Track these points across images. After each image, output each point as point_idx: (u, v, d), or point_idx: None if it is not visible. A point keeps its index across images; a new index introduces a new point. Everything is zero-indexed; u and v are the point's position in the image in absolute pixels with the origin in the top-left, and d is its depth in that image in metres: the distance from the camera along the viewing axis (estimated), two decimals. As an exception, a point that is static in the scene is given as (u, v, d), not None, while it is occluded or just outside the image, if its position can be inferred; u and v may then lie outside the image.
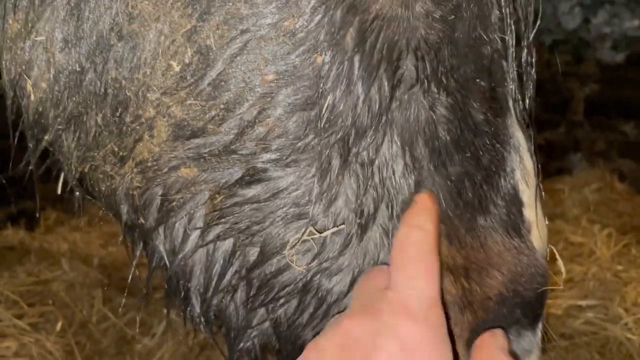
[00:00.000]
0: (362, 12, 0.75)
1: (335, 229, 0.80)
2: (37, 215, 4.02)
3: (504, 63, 0.87)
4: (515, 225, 0.87)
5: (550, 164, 6.06)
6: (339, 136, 0.77)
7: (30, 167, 0.90)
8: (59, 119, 0.84)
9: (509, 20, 0.84)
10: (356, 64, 0.77)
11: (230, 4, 0.75)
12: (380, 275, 0.80)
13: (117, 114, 0.80)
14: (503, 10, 0.84)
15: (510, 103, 0.88)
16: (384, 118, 0.79)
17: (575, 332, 2.36)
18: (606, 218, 4.13)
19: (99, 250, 3.93)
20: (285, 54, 0.75)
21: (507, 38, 0.85)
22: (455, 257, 0.84)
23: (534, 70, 0.91)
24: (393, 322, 0.73)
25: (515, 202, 0.87)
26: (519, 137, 0.88)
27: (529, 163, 0.88)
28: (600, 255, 3.05)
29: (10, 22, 0.80)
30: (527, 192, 0.88)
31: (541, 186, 0.90)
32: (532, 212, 0.88)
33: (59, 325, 2.65)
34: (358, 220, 0.81)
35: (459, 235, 0.84)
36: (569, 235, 3.37)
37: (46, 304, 2.91)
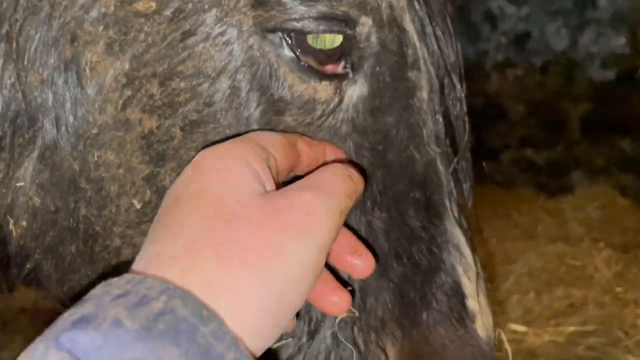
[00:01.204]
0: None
1: (285, 341, 0.89)
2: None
3: (439, 167, 0.96)
4: (459, 317, 0.93)
5: (552, 184, 6.09)
6: None
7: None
8: (38, 250, 0.97)
9: (441, 132, 0.93)
10: None
11: (182, 151, 0.87)
12: None
13: (89, 245, 0.93)
14: (435, 122, 0.95)
15: (447, 203, 0.96)
16: None
17: (578, 358, 2.37)
18: (611, 236, 4.15)
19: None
20: None
21: (441, 150, 0.94)
22: (402, 348, 0.91)
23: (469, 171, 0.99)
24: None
25: (457, 295, 0.94)
26: (457, 234, 0.96)
27: (469, 257, 0.95)
28: (600, 278, 3.06)
29: None
30: (469, 285, 0.95)
31: (482, 275, 0.98)
32: (475, 302, 0.95)
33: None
34: (307, 329, 0.91)
35: (403, 330, 0.91)
36: (569, 260, 3.39)
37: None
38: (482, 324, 0.95)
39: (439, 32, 0.97)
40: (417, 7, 0.94)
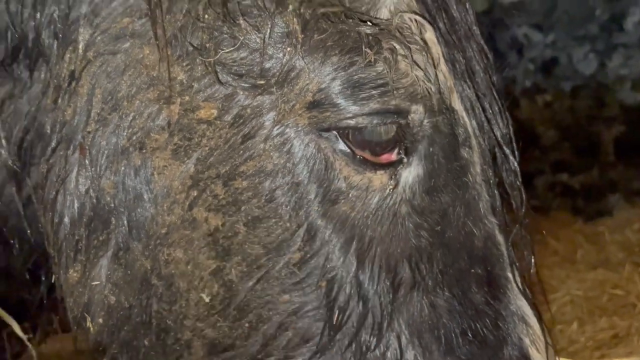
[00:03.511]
0: (360, 238, 0.92)
1: None
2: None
3: (498, 239, 0.99)
4: None
5: (590, 208, 6.04)
6: (351, 338, 0.92)
7: None
8: (114, 345, 1.03)
9: (497, 203, 0.97)
10: (360, 277, 0.92)
11: (246, 246, 0.93)
12: None
13: (161, 338, 0.98)
14: (491, 194, 0.98)
15: (509, 275, 0.99)
16: (390, 315, 0.93)
17: (624, 390, 2.37)
18: (652, 258, 4.10)
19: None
20: (296, 281, 0.92)
21: (498, 221, 0.97)
22: None
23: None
24: None
25: None
26: (522, 306, 0.99)
27: (536, 328, 0.99)
28: (644, 307, 3.06)
29: (71, 272, 1.01)
30: (538, 356, 0.98)
31: (550, 342, 0.99)
32: None
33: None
34: None
35: None
36: (611, 288, 3.38)
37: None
38: None
39: (487, 106, 1.01)
40: (464, 85, 0.98)
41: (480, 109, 1.00)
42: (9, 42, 0.98)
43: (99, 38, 0.94)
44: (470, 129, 0.99)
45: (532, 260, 1.05)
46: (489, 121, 1.01)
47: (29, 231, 1.11)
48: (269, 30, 0.89)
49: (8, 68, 1.01)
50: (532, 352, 0.98)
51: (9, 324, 1.88)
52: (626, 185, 5.98)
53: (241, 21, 0.89)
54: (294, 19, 0.88)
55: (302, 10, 0.88)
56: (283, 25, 0.89)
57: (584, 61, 6.31)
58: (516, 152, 1.04)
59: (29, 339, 1.94)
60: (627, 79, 6.07)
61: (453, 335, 0.95)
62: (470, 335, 0.95)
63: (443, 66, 0.96)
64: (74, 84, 0.95)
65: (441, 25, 0.96)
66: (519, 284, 1.01)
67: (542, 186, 6.26)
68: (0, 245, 1.21)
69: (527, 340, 0.98)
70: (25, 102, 1.02)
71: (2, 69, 1.00)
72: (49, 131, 0.99)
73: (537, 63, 6.66)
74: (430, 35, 0.94)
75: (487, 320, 0.97)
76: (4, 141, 1.03)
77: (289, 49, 0.89)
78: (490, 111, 1.02)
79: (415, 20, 0.93)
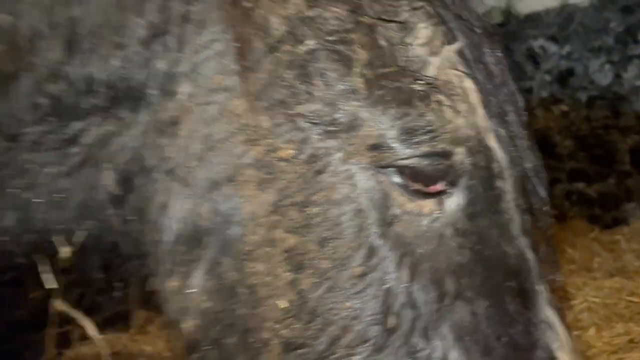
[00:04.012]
0: (411, 255, 1.10)
1: None
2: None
3: (528, 257, 1.16)
4: None
5: (606, 216, 6.13)
6: (404, 339, 1.10)
7: None
8: (204, 343, 1.21)
9: (527, 226, 1.14)
10: (412, 288, 1.10)
11: (317, 262, 1.11)
12: None
13: (245, 337, 1.17)
14: (522, 219, 1.15)
15: (539, 288, 1.16)
16: (436, 321, 1.09)
17: (640, 392, 2.50)
18: (668, 267, 4.20)
19: (188, 345, 4.28)
20: (358, 290, 1.11)
21: (529, 240, 1.14)
22: None
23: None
24: None
25: None
26: (549, 315, 1.16)
27: (563, 334, 1.15)
28: (660, 312, 3.18)
29: (170, 281, 1.21)
30: (566, 358, 1.14)
31: (578, 349, 1.14)
32: None
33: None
34: None
35: None
36: (628, 295, 3.50)
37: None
38: None
39: (518, 142, 1.17)
40: (498, 125, 1.15)
41: (512, 145, 1.17)
42: (119, 91, 1.18)
43: (197, 91, 1.13)
44: (503, 163, 1.16)
45: (559, 275, 1.21)
46: (519, 155, 1.18)
47: (124, 248, 1.30)
48: (339, 88, 1.08)
49: (112, 110, 1.21)
50: (560, 355, 1.14)
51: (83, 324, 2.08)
52: (642, 194, 6.05)
53: (316, 81, 1.08)
54: (359, 79, 1.07)
55: (365, 72, 1.07)
56: (350, 83, 1.08)
57: (599, 72, 6.42)
58: (543, 181, 1.21)
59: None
60: (642, 89, 6.18)
61: (490, 339, 1.11)
62: (505, 339, 1.11)
63: (480, 110, 1.13)
64: (175, 127, 1.15)
65: (478, 75, 1.14)
66: (547, 295, 1.17)
67: (558, 195, 6.36)
68: (95, 257, 1.41)
69: (555, 345, 1.14)
70: (127, 139, 1.21)
71: (107, 111, 1.21)
72: (150, 164, 1.19)
73: (553, 74, 6.78)
74: (469, 84, 1.12)
75: (520, 327, 1.13)
76: (108, 171, 1.22)
77: (354, 102, 1.08)
78: (521, 147, 1.19)
79: (457, 74, 1.11)
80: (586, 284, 4.04)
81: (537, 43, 6.94)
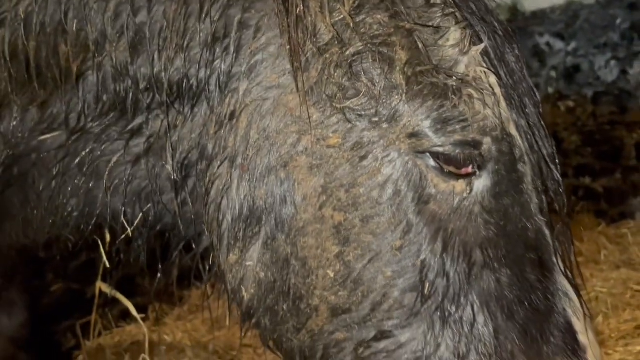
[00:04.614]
0: (444, 230, 1.23)
1: None
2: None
3: (545, 232, 1.30)
4: (573, 350, 1.25)
5: (612, 210, 6.21)
6: (437, 305, 1.23)
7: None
8: (260, 309, 1.35)
9: (544, 206, 1.29)
10: (445, 259, 1.23)
11: (362, 236, 1.24)
12: None
13: (296, 304, 1.30)
14: (539, 199, 1.29)
15: (555, 260, 1.29)
16: (466, 288, 1.23)
17: (648, 375, 2.61)
18: (674, 259, 4.28)
19: (206, 335, 4.42)
20: (397, 261, 1.24)
21: (545, 219, 1.28)
22: None
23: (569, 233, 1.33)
24: None
25: (570, 332, 1.26)
26: (564, 284, 1.29)
27: (576, 301, 1.28)
28: (666, 301, 3.28)
29: (231, 255, 1.34)
30: (579, 323, 1.27)
31: (589, 314, 1.27)
32: (585, 337, 1.27)
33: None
34: None
35: None
36: (634, 285, 3.60)
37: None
38: (593, 355, 1.25)
39: (536, 131, 1.31)
40: (518, 116, 1.29)
41: (531, 133, 1.31)
42: (181, 88, 1.32)
43: (254, 88, 1.28)
44: (524, 149, 1.30)
45: (572, 248, 1.35)
46: (537, 142, 1.32)
47: (181, 226, 1.44)
48: (382, 85, 1.22)
49: (175, 105, 1.34)
50: (574, 320, 1.28)
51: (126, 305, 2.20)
52: (648, 188, 6.13)
53: (362, 78, 1.22)
54: (400, 76, 1.22)
55: (405, 70, 1.22)
56: (392, 80, 1.22)
57: (605, 68, 6.52)
58: (558, 166, 1.36)
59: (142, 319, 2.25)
60: (647, 85, 6.27)
61: (513, 304, 1.24)
62: (526, 304, 1.25)
63: (503, 103, 1.28)
64: (234, 120, 1.29)
65: (501, 72, 1.28)
66: (562, 267, 1.31)
67: (566, 190, 6.45)
68: (145, 243, 1.54)
69: (570, 311, 1.28)
70: (187, 130, 1.35)
71: (170, 106, 1.34)
72: (211, 152, 1.33)
73: (560, 70, 6.88)
74: (493, 80, 1.27)
75: (539, 294, 1.26)
76: (170, 159, 1.35)
77: (396, 97, 1.22)
78: (538, 135, 1.33)
79: (483, 71, 1.25)
80: (593, 275, 4.13)
81: (543, 40, 7.03)
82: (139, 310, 5.11)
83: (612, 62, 6.51)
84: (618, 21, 6.56)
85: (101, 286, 2.03)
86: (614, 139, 6.43)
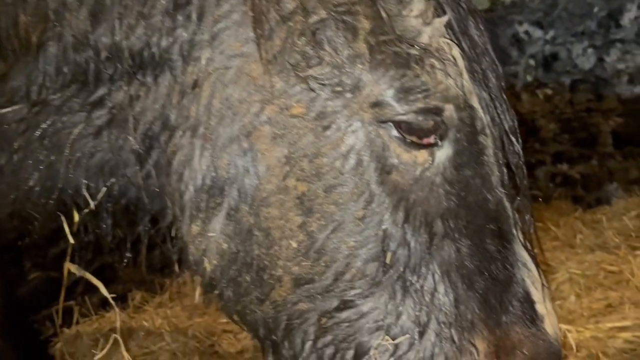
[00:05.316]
0: (406, 200, 1.25)
1: (402, 338, 1.25)
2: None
3: (506, 204, 1.31)
4: (531, 319, 1.28)
5: (589, 196, 6.31)
6: (399, 274, 1.24)
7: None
8: (223, 280, 1.35)
9: (505, 178, 1.31)
10: (406, 229, 1.24)
11: (325, 206, 1.25)
12: None
13: (259, 275, 1.31)
14: (500, 171, 1.31)
15: (514, 231, 1.31)
16: (427, 257, 1.25)
17: (617, 350, 2.68)
18: (648, 243, 4.37)
19: (186, 321, 4.41)
20: (359, 231, 1.26)
21: (506, 191, 1.30)
22: (489, 344, 1.26)
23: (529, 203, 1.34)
24: None
25: (528, 301, 1.29)
26: (523, 254, 1.31)
27: (535, 271, 1.30)
28: (635, 281, 3.36)
29: (193, 227, 1.34)
30: (537, 293, 1.29)
31: (546, 284, 1.29)
32: (542, 307, 1.29)
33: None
34: (417, 329, 1.25)
35: (488, 329, 1.26)
36: (607, 266, 3.68)
37: (155, 372, 3.39)
38: (550, 324, 1.28)
39: (497, 104, 1.34)
40: (481, 89, 1.31)
41: (492, 106, 1.33)
42: (143, 57, 1.30)
43: (217, 57, 1.27)
44: (485, 122, 1.32)
45: (532, 221, 1.37)
46: (499, 116, 1.34)
47: (145, 200, 1.43)
48: (346, 53, 1.23)
49: (137, 75, 1.33)
50: (532, 290, 1.31)
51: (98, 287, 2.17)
52: (624, 175, 6.24)
53: (325, 47, 1.23)
54: (364, 45, 1.23)
55: (369, 39, 1.23)
56: (356, 49, 1.23)
57: (582, 56, 6.59)
58: (519, 139, 1.38)
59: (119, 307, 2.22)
60: (624, 73, 6.36)
61: (473, 274, 1.27)
62: (485, 274, 1.28)
63: (466, 75, 1.30)
64: (197, 89, 1.29)
65: (464, 45, 1.29)
66: (521, 239, 1.33)
67: (543, 177, 6.53)
68: (111, 219, 1.53)
69: (528, 281, 1.31)
70: (150, 101, 1.35)
71: (132, 76, 1.33)
72: (173, 123, 1.33)
73: (538, 58, 6.93)
74: (456, 52, 1.28)
75: (498, 264, 1.29)
76: (133, 131, 1.35)
77: (359, 66, 1.23)
78: (500, 108, 1.35)
79: (446, 42, 1.26)
80: (568, 258, 4.20)
81: (522, 28, 7.07)
82: (119, 299, 5.13)
83: (589, 50, 6.58)
84: (595, 9, 6.62)
85: (70, 267, 2.01)
86: (590, 126, 6.51)
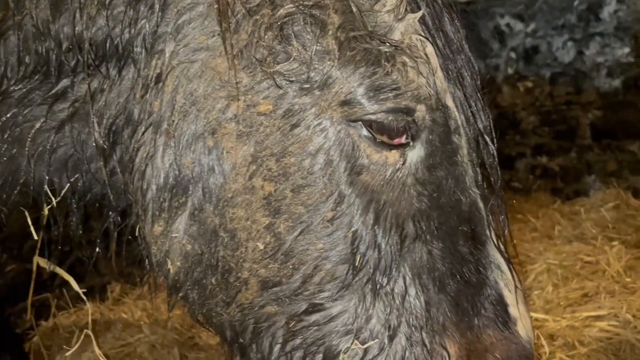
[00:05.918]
0: (377, 201, 1.20)
1: (372, 342, 1.22)
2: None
3: (480, 205, 1.28)
4: (503, 321, 1.25)
5: (567, 188, 6.39)
6: (369, 277, 1.21)
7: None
8: (187, 283, 1.30)
9: (479, 178, 1.27)
10: (376, 231, 1.20)
11: (292, 207, 1.20)
12: None
13: (225, 277, 1.26)
14: (475, 171, 1.27)
15: (488, 233, 1.27)
16: (398, 260, 1.21)
17: (593, 339, 2.71)
18: (624, 234, 4.43)
19: (165, 314, 4.38)
20: (328, 233, 1.21)
21: (480, 192, 1.26)
22: (460, 347, 1.23)
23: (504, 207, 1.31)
24: None
25: (500, 304, 1.25)
26: (497, 256, 1.28)
27: (508, 274, 1.27)
28: (611, 271, 3.41)
29: (156, 227, 1.29)
30: (510, 296, 1.26)
31: (521, 288, 1.25)
32: (515, 309, 1.26)
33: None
34: (387, 333, 1.22)
35: (460, 332, 1.23)
36: (584, 256, 3.72)
37: (133, 363, 3.37)
38: (523, 327, 1.25)
39: (472, 103, 1.29)
40: (455, 88, 1.27)
41: (467, 106, 1.29)
42: (106, 49, 1.25)
43: (181, 50, 1.22)
44: (459, 121, 1.28)
45: (507, 221, 1.35)
46: (473, 115, 1.30)
47: (111, 196, 1.38)
48: (314, 49, 1.17)
49: (99, 68, 1.28)
50: (506, 292, 1.27)
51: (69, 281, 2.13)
52: (602, 168, 6.33)
53: (293, 42, 1.18)
54: (333, 41, 1.18)
55: (338, 34, 1.18)
56: (324, 45, 1.18)
57: (562, 49, 6.63)
58: (495, 140, 1.34)
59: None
60: (603, 66, 6.41)
61: (445, 276, 1.23)
62: (458, 277, 1.24)
63: (440, 73, 1.25)
64: (160, 84, 1.23)
65: (438, 42, 1.26)
66: (495, 240, 1.30)
67: (523, 169, 6.60)
68: (78, 213, 1.48)
69: (501, 284, 1.27)
70: (114, 94, 1.29)
71: (95, 69, 1.27)
72: (137, 118, 1.26)
73: (519, 51, 6.96)
74: (430, 49, 1.24)
75: (471, 266, 1.26)
76: (96, 125, 1.30)
77: (328, 62, 1.18)
78: (475, 107, 1.31)
79: (419, 39, 1.22)
80: (547, 249, 4.24)
81: (504, 21, 7.09)
82: (98, 291, 5.06)
83: (569, 44, 6.62)
84: (575, 3, 6.66)
85: (39, 261, 1.96)
86: (569, 118, 6.56)
